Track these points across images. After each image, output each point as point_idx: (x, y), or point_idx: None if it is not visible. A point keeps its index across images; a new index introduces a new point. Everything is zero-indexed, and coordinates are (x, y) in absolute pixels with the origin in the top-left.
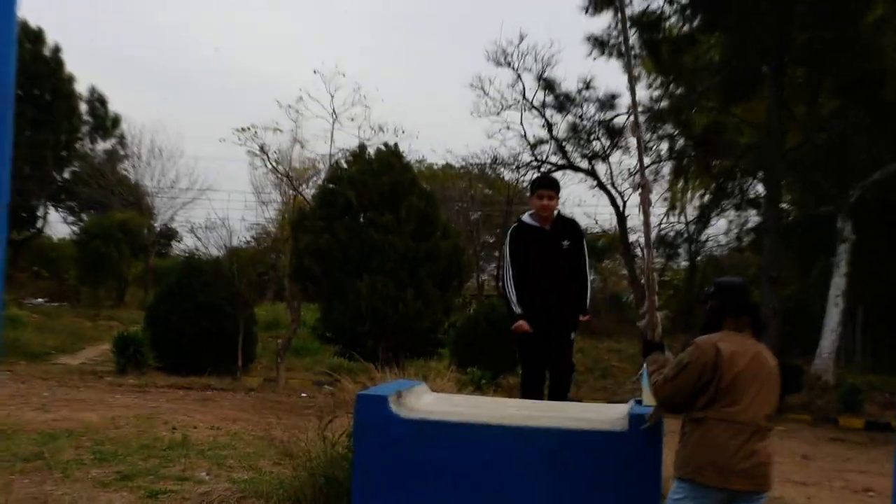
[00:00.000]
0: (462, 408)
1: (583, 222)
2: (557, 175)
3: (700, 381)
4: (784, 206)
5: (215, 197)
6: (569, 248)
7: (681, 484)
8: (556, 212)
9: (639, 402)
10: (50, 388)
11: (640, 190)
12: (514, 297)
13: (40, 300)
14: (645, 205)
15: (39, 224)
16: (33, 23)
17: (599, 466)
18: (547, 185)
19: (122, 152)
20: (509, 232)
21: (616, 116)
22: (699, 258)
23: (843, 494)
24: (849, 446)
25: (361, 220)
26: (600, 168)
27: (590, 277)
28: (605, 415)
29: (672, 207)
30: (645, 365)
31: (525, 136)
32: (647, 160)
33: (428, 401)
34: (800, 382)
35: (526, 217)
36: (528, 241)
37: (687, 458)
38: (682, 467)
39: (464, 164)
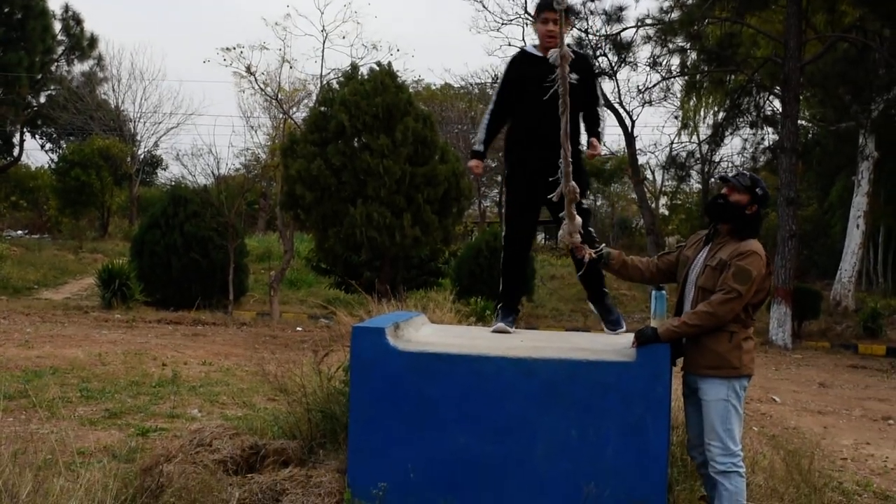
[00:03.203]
0: (462, 339)
1: None
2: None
3: (753, 289)
4: (802, 122)
5: (201, 122)
6: (578, 84)
7: (740, 382)
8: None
9: None
10: (33, 323)
11: (559, 60)
12: (482, 134)
13: (19, 232)
14: (563, 79)
15: (16, 152)
16: None
17: (606, 398)
18: (553, 7)
19: (100, 74)
20: (509, 59)
21: (623, 30)
22: (712, 180)
23: (861, 423)
24: (869, 373)
25: (355, 144)
26: (607, 86)
27: (603, 125)
28: (612, 345)
29: (684, 126)
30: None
31: None
32: (657, 77)
33: (427, 332)
34: (817, 308)
35: (529, 46)
36: (528, 73)
37: (741, 357)
38: (742, 366)
39: (463, 83)
